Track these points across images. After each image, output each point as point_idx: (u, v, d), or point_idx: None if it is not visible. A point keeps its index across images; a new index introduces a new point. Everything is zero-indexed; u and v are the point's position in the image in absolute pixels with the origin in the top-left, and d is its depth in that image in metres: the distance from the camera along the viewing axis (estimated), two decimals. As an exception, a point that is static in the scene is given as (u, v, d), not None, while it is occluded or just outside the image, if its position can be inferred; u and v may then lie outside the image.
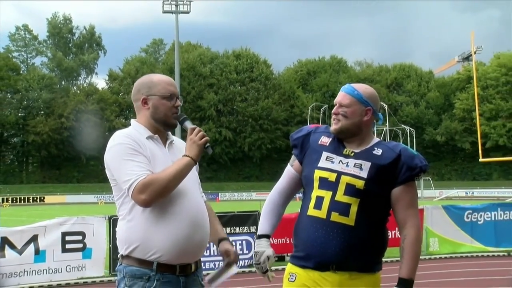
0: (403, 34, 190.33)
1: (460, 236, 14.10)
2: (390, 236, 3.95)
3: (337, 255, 3.27)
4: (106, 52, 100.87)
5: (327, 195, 3.33)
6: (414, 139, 70.72)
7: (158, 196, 3.10)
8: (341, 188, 3.31)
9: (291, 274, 3.43)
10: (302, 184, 3.55)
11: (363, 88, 3.48)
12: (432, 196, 64.76)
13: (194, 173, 3.36)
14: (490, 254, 14.05)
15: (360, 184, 3.29)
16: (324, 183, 3.35)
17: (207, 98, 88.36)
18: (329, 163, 3.38)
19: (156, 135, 3.34)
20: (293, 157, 3.61)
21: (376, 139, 3.50)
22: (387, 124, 72.77)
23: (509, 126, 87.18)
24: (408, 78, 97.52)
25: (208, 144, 3.26)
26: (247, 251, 11.92)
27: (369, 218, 3.34)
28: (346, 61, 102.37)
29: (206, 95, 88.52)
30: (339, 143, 3.45)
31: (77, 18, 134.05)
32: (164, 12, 64.75)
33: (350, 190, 3.29)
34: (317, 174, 3.38)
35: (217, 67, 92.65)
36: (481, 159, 36.41)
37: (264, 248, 3.47)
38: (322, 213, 3.31)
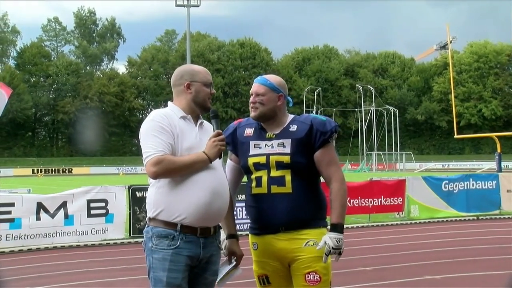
0: (385, 26, 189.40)
1: (438, 203, 14.10)
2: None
3: (282, 219, 3.41)
4: (125, 41, 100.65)
5: (264, 174, 3.47)
6: (397, 118, 70.57)
7: (166, 173, 3.18)
8: (273, 165, 3.44)
9: (253, 243, 3.59)
10: (243, 172, 3.68)
11: (273, 78, 3.60)
12: (413, 168, 64.83)
13: None
14: (462, 218, 14.09)
15: (286, 159, 3.42)
16: (258, 166, 3.49)
17: (215, 81, 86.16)
18: (257, 149, 3.51)
19: (189, 115, 3.37)
20: (229, 152, 3.73)
21: (290, 117, 3.60)
22: (373, 105, 72.56)
23: (479, 107, 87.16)
24: (392, 64, 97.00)
25: (222, 153, 3.32)
26: (246, 217, 11.93)
27: (302, 183, 3.45)
28: (337, 49, 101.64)
29: (214, 79, 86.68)
30: (260, 130, 3.56)
31: (99, 11, 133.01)
32: (177, 5, 64.34)
33: (280, 165, 3.43)
34: (251, 161, 3.51)
35: (223, 54, 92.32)
36: (455, 136, 36.41)
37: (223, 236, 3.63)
38: (263, 189, 3.47)
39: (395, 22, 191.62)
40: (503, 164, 36.00)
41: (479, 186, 14.62)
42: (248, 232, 3.73)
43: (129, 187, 11.26)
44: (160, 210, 3.23)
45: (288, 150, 3.43)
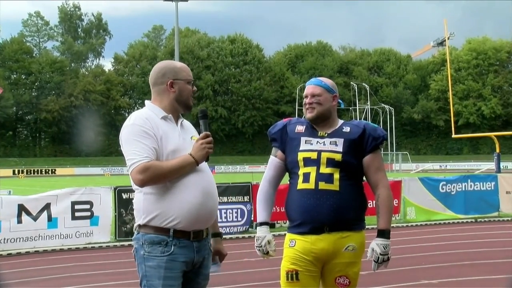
0: (380, 22, 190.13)
1: (435, 205, 14.12)
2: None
3: (328, 216, 3.51)
4: (112, 37, 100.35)
5: (312, 170, 3.57)
6: (393, 117, 70.73)
7: (154, 180, 3.17)
8: (323, 162, 3.57)
9: (291, 240, 3.62)
10: (286, 170, 3.76)
11: (326, 80, 3.80)
12: (409, 169, 64.94)
13: None
14: (460, 221, 14.13)
15: (338, 157, 3.57)
16: (308, 162, 3.60)
17: (204, 79, 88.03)
18: (308, 145, 3.64)
19: (170, 115, 3.36)
20: (274, 149, 3.82)
21: (341, 121, 3.80)
22: (368, 103, 72.72)
23: (478, 105, 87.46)
24: (388, 61, 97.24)
25: (209, 156, 3.31)
26: (241, 219, 11.92)
27: (349, 183, 3.60)
28: (331, 46, 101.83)
29: (203, 76, 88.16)
30: (312, 129, 3.72)
31: (85, 6, 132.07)
32: (165, 0, 64.21)
33: (331, 162, 3.57)
34: (301, 156, 3.62)
35: (213, 50, 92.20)
36: (453, 135, 36.47)
37: (264, 233, 3.69)
38: (310, 185, 3.55)
39: (391, 18, 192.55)
40: (502, 164, 36.10)
41: (477, 187, 14.66)
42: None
43: (115, 189, 11.23)
44: (151, 216, 3.22)
45: (340, 149, 3.60)
